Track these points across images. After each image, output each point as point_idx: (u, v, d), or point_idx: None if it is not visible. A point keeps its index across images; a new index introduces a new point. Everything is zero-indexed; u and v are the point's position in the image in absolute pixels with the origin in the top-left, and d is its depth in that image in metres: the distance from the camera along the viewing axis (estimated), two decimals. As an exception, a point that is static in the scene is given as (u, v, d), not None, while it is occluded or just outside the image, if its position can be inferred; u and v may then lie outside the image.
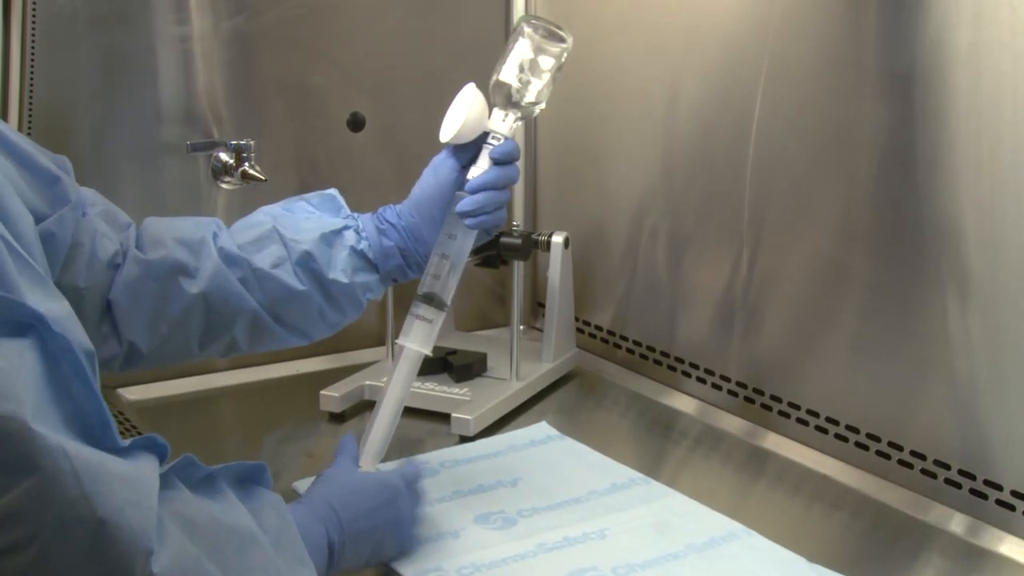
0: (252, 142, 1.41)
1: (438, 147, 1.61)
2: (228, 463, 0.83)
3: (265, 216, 1.08)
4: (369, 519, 0.95)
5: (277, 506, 0.84)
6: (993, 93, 1.00)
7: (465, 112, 1.04)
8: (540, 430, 1.33)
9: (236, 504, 0.79)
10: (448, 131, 1.07)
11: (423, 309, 1.04)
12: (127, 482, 0.68)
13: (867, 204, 1.15)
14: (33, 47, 1.30)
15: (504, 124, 1.07)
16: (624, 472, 1.21)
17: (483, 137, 1.07)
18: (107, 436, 0.69)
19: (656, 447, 1.32)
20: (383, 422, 1.03)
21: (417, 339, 1.03)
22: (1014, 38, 0.98)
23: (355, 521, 0.93)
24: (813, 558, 1.02)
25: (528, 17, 1.08)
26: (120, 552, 0.66)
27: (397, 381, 1.03)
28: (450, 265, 1.04)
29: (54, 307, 0.70)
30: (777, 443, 1.26)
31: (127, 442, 0.71)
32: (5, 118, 1.30)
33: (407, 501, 1.01)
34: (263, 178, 1.41)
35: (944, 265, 1.07)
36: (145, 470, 0.70)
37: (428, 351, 1.04)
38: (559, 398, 1.45)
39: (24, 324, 0.67)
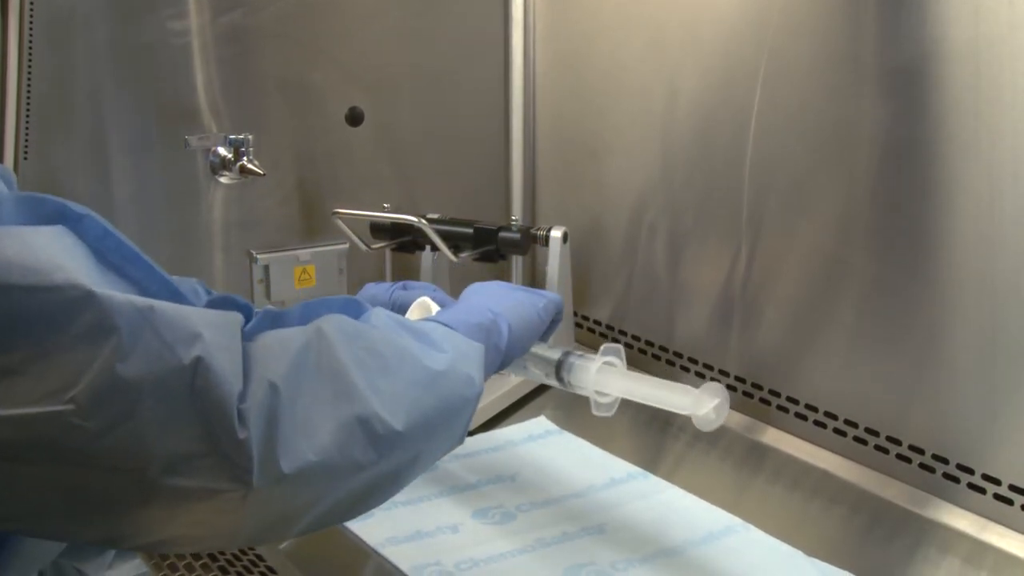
0: (250, 137, 1.41)
1: (435, 145, 1.62)
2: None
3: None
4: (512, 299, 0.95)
5: (385, 312, 0.80)
6: (992, 88, 1.00)
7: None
8: (538, 425, 1.33)
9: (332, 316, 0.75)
10: None
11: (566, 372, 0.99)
12: (208, 326, 0.64)
13: (865, 200, 1.15)
14: (31, 42, 1.29)
15: None
16: (622, 467, 1.21)
17: None
18: (180, 301, 0.66)
19: (654, 442, 1.32)
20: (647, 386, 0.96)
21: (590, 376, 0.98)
22: (1012, 33, 0.97)
23: (503, 302, 0.93)
24: (812, 552, 1.02)
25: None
26: (214, 395, 0.62)
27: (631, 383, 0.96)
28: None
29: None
30: (776, 438, 1.26)
31: (203, 303, 0.68)
32: (3, 114, 1.29)
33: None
34: (261, 173, 1.41)
35: (942, 260, 1.07)
36: (225, 314, 0.66)
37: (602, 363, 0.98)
38: (557, 393, 1.44)
39: (53, 215, 0.64)
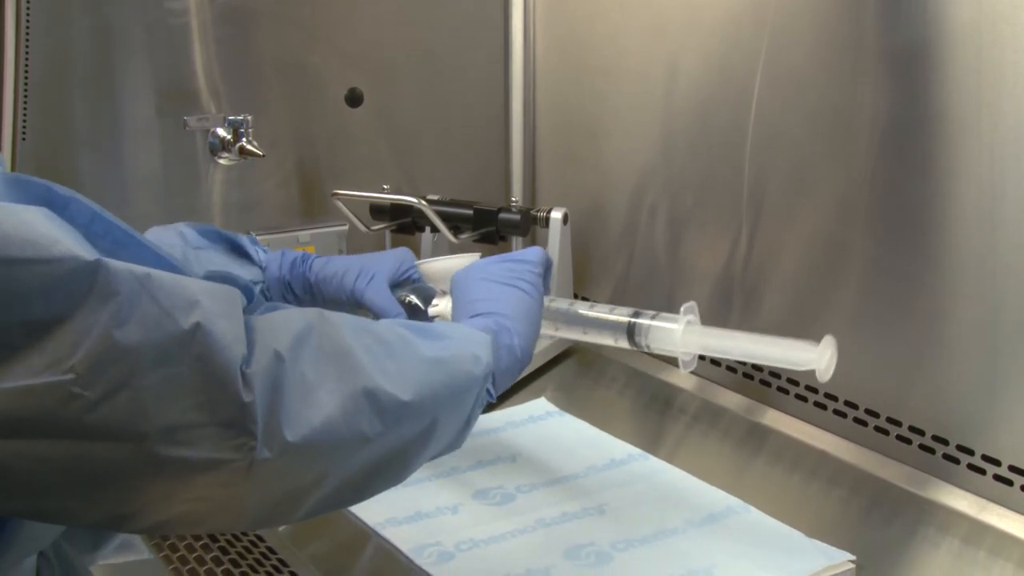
0: (249, 118, 1.41)
1: (435, 127, 1.61)
2: None
3: (178, 239, 1.05)
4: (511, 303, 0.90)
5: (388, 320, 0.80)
6: (994, 69, 0.99)
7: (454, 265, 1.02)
8: (539, 406, 1.33)
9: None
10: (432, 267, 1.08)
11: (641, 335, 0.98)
12: (207, 294, 0.63)
13: (866, 181, 1.15)
14: (28, 24, 1.29)
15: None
16: (623, 448, 1.21)
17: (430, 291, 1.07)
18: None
19: (655, 423, 1.32)
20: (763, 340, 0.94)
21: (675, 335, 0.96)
22: (1015, 13, 0.97)
23: (503, 307, 0.89)
24: (811, 533, 1.02)
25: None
26: (216, 360, 0.62)
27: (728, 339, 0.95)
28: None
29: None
30: (775, 419, 1.26)
31: (201, 274, 0.67)
32: (1, 95, 1.29)
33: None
34: (261, 154, 1.41)
35: (943, 242, 1.07)
36: (224, 287, 0.66)
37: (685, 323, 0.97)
38: (558, 374, 1.45)
39: (33, 199, 0.63)
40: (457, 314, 0.91)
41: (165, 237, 1.06)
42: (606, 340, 0.98)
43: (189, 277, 0.65)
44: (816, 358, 0.89)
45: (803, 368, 0.90)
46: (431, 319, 1.04)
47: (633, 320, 0.96)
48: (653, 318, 0.96)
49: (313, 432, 0.66)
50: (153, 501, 0.65)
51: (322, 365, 0.68)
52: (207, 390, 0.62)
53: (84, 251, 0.60)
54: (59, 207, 0.65)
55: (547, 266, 0.97)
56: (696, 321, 0.96)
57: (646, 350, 0.97)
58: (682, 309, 0.96)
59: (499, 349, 0.84)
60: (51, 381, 0.58)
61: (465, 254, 1.06)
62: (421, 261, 1.11)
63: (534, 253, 0.96)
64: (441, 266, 1.07)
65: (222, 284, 0.66)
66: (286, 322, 0.69)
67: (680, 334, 0.94)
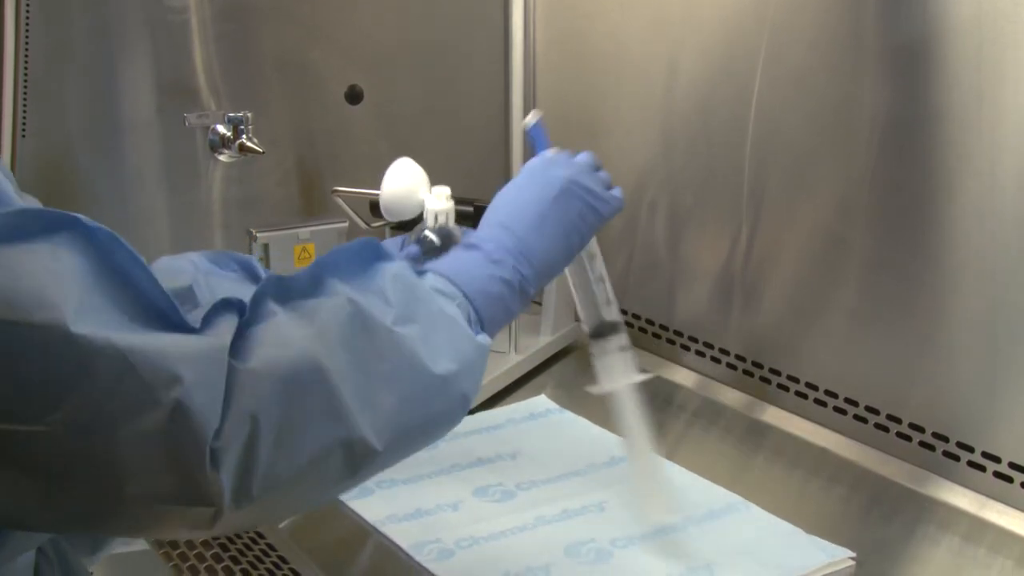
0: (249, 115, 1.41)
1: (435, 125, 1.61)
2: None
3: (189, 266, 1.06)
4: (542, 214, 0.89)
5: (401, 274, 0.77)
6: (995, 65, 0.99)
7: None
8: (539, 403, 1.33)
9: (341, 295, 0.72)
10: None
11: (603, 343, 1.01)
12: (190, 362, 0.63)
13: (866, 179, 1.15)
14: (28, 19, 1.29)
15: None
16: (623, 445, 1.21)
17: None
18: (177, 321, 0.65)
19: (655, 420, 1.32)
20: (655, 467, 1.03)
21: (619, 374, 1.01)
22: (1016, 9, 0.97)
23: (524, 221, 0.88)
24: (812, 530, 1.02)
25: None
26: (190, 434, 0.62)
27: (636, 426, 1.01)
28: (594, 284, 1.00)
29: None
30: (776, 416, 1.26)
31: (199, 319, 0.67)
32: (0, 92, 1.29)
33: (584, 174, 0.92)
34: (261, 151, 1.41)
35: (943, 239, 1.07)
36: (213, 341, 0.65)
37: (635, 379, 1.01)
38: (558, 371, 1.45)
39: (54, 223, 0.63)
40: (487, 219, 0.89)
41: (176, 265, 1.06)
42: (578, 310, 1.02)
43: (176, 338, 0.64)
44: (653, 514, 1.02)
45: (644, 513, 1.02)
46: (437, 244, 1.01)
47: (600, 330, 1.01)
48: (623, 350, 1.02)
49: (280, 488, 0.67)
50: (123, 531, 0.72)
51: (303, 412, 0.68)
52: (178, 466, 0.63)
53: (72, 312, 0.60)
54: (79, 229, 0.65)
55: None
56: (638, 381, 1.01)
57: (590, 356, 1.01)
58: (642, 372, 1.02)
59: (496, 311, 0.84)
60: (30, 430, 0.61)
61: (400, 159, 1.05)
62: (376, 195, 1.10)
63: (612, 208, 0.94)
64: (393, 194, 1.05)
65: (211, 339, 0.66)
66: (278, 354, 0.67)
67: (621, 387, 1.01)
